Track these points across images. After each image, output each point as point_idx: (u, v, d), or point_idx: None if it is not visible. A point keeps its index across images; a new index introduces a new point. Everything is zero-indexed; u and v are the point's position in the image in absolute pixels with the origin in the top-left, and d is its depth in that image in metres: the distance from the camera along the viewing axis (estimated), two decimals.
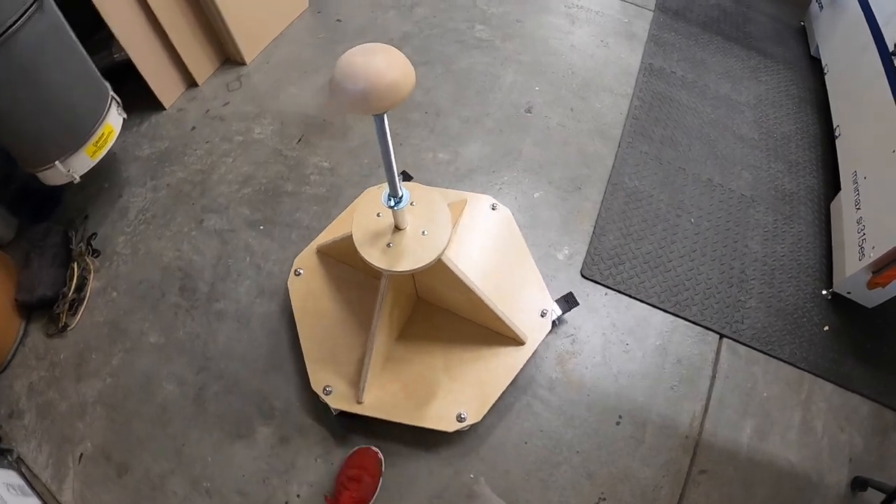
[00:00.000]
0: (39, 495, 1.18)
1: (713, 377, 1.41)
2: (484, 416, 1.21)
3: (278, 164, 1.72)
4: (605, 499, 1.23)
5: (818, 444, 1.35)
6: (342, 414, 1.22)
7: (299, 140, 1.78)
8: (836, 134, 1.78)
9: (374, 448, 1.21)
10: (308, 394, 1.30)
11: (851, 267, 1.46)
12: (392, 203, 0.97)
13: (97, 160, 1.47)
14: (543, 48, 2.08)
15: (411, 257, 1.01)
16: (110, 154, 1.51)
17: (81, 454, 1.27)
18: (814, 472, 1.31)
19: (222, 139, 1.78)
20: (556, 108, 1.89)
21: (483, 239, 1.45)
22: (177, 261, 1.54)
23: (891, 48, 1.55)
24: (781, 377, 1.43)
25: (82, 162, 1.43)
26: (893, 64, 1.52)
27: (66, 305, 1.44)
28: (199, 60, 1.88)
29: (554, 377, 1.36)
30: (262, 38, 2.02)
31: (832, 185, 1.77)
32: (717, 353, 1.44)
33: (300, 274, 1.40)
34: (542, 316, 1.32)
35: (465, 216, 1.47)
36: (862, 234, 1.45)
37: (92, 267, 1.52)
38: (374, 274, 1.02)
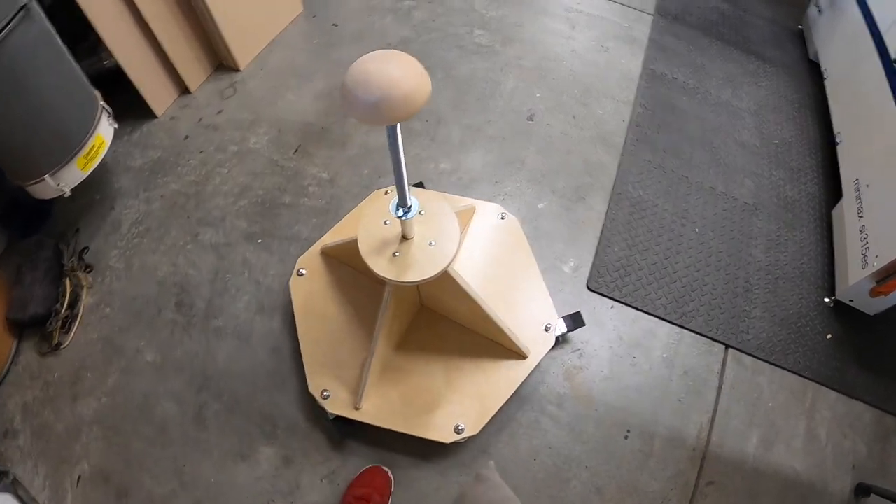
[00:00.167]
0: None
1: (719, 388, 1.44)
2: (482, 429, 1.22)
3: (275, 174, 1.72)
4: None
5: (822, 452, 1.38)
6: (338, 419, 1.23)
7: (296, 149, 1.78)
8: (837, 141, 1.82)
9: (384, 468, 1.22)
10: (312, 413, 1.31)
11: (854, 276, 1.50)
12: (400, 213, 0.98)
13: (88, 172, 1.46)
14: (544, 53, 2.10)
15: (417, 268, 1.02)
16: (101, 164, 1.49)
17: (79, 476, 1.26)
18: (818, 479, 1.34)
19: (217, 149, 1.78)
20: (559, 115, 1.91)
21: (490, 248, 1.46)
22: (172, 276, 1.54)
23: (893, 56, 1.58)
24: (786, 386, 1.47)
25: (73, 175, 1.42)
26: None
27: (59, 323, 1.42)
28: (192, 66, 1.87)
29: (562, 392, 1.38)
30: (255, 44, 2.01)
31: (833, 191, 1.82)
32: (723, 364, 1.47)
33: (303, 274, 1.41)
34: (546, 330, 1.34)
35: (474, 225, 1.49)
36: (865, 242, 1.49)
37: (85, 282, 1.51)
38: (378, 279, 1.03)
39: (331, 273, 1.42)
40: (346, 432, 1.28)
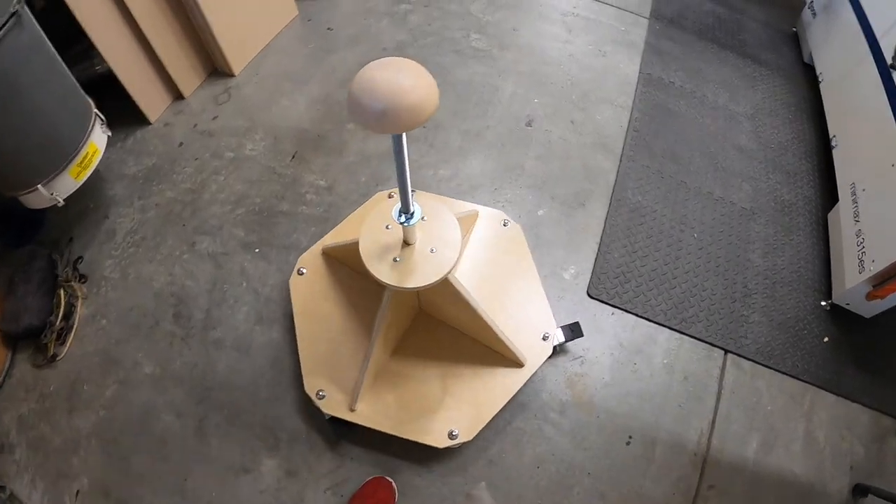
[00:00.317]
0: None
1: (719, 393, 1.48)
2: (485, 438, 1.25)
3: (272, 182, 1.74)
4: None
5: (821, 454, 1.43)
6: (334, 420, 1.25)
7: (293, 157, 1.79)
8: (833, 144, 1.87)
9: (387, 478, 1.24)
10: (315, 424, 1.33)
11: (851, 280, 1.54)
12: (403, 219, 1.00)
13: (82, 181, 1.46)
14: (541, 58, 2.13)
15: (418, 274, 1.05)
16: (94, 172, 1.50)
17: (78, 490, 1.27)
18: (817, 481, 1.39)
19: (212, 155, 1.79)
20: (557, 121, 1.95)
21: (491, 255, 1.49)
22: (169, 286, 1.55)
23: (889, 60, 1.62)
24: (785, 390, 1.51)
25: (66, 184, 1.43)
26: (892, 77, 1.59)
27: (54, 335, 1.43)
28: (186, 72, 1.88)
29: (564, 400, 1.41)
30: (250, 48, 2.02)
31: (829, 194, 1.87)
32: (723, 369, 1.51)
33: (303, 273, 1.44)
34: (544, 339, 1.36)
35: (476, 231, 1.52)
36: (861, 246, 1.53)
37: (79, 293, 1.52)
38: (378, 282, 1.05)
39: (331, 273, 1.44)
40: (342, 433, 1.31)
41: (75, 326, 1.48)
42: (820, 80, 2.11)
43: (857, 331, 1.61)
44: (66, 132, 1.39)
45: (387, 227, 1.09)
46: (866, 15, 1.84)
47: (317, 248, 1.47)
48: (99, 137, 1.49)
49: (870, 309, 1.60)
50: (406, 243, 1.08)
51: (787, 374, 1.52)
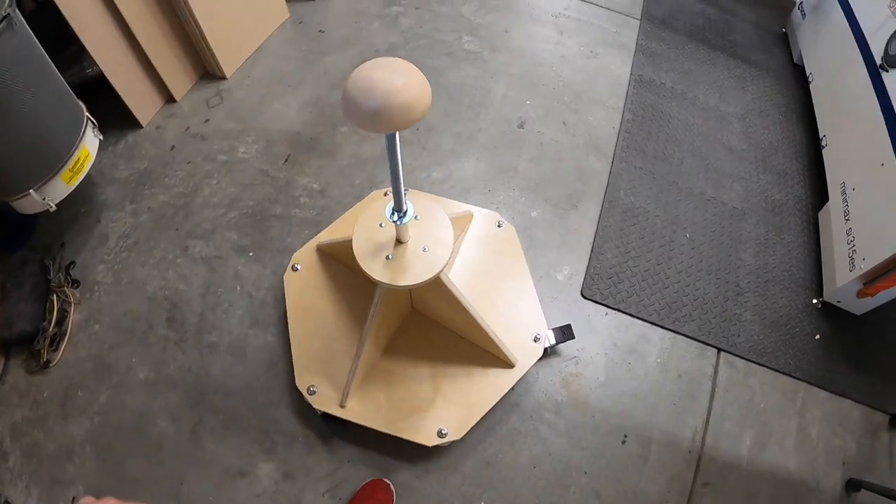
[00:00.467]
0: None
1: (713, 391, 1.51)
2: (480, 439, 1.28)
3: (265, 185, 1.75)
4: None
5: (814, 450, 1.47)
6: (326, 417, 1.28)
7: (286, 160, 1.81)
8: (823, 144, 1.92)
9: (385, 480, 1.26)
10: (312, 427, 1.35)
11: (842, 278, 1.58)
12: (396, 218, 1.02)
13: (74, 186, 1.47)
14: (533, 60, 2.17)
15: (409, 273, 1.07)
16: (86, 176, 1.50)
17: (74, 497, 1.28)
18: (810, 477, 1.43)
19: (205, 159, 1.80)
20: (549, 123, 1.98)
21: (485, 256, 1.52)
22: (162, 290, 1.56)
23: (878, 61, 1.67)
24: (777, 387, 1.54)
25: (58, 189, 1.43)
26: (881, 77, 1.64)
27: (47, 340, 1.43)
28: (177, 74, 1.89)
29: (559, 400, 1.44)
30: (241, 51, 2.04)
31: (819, 194, 1.91)
32: (716, 367, 1.55)
33: (297, 269, 1.46)
34: (535, 341, 1.39)
35: (470, 231, 1.55)
36: (852, 245, 1.57)
37: (72, 298, 1.52)
38: (370, 279, 1.07)
39: (325, 270, 1.46)
40: (334, 430, 1.33)
41: (68, 332, 1.48)
42: (810, 80, 2.15)
43: (848, 328, 1.65)
44: (58, 136, 1.39)
45: (380, 226, 1.11)
46: (855, 16, 1.88)
47: (311, 244, 1.50)
48: (91, 141, 1.50)
49: (860, 307, 1.64)
50: (399, 242, 1.10)
51: (779, 372, 1.56)
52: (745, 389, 1.52)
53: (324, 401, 1.27)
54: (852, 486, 1.41)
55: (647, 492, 1.35)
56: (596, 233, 1.72)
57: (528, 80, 2.10)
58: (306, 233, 1.66)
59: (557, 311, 1.57)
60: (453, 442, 1.26)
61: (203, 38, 1.84)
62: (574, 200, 1.80)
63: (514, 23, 2.29)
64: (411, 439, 1.24)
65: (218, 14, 1.85)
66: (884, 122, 1.56)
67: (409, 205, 1.03)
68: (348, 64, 2.06)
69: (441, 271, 1.08)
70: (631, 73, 2.17)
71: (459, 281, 1.35)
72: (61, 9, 1.47)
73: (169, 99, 1.93)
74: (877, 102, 1.62)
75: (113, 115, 1.77)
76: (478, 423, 1.31)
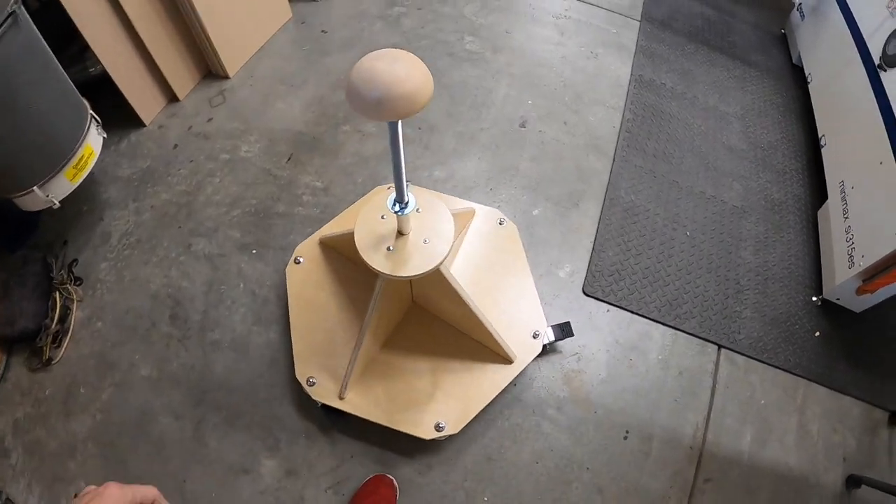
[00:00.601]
0: None
1: (713, 388, 1.51)
2: (476, 432, 1.29)
3: (268, 183, 1.76)
4: None
5: (814, 447, 1.47)
6: (327, 408, 1.29)
7: (289, 158, 1.82)
8: (822, 143, 1.93)
9: (388, 476, 1.26)
10: (314, 424, 1.35)
11: (841, 275, 1.59)
12: (397, 208, 1.03)
13: (77, 183, 1.48)
14: (534, 60, 2.18)
15: (410, 264, 1.08)
16: (88, 175, 1.51)
17: (76, 494, 1.27)
18: (811, 473, 1.43)
19: (207, 158, 1.81)
20: (550, 123, 1.99)
21: (486, 253, 1.52)
22: (165, 288, 1.56)
23: (876, 61, 1.69)
24: (778, 384, 1.55)
25: (62, 186, 1.44)
26: (879, 77, 1.65)
27: (50, 338, 1.44)
28: (180, 74, 1.90)
29: (562, 396, 1.44)
30: (244, 51, 2.05)
31: (818, 193, 1.92)
32: (717, 364, 1.55)
33: (300, 262, 1.47)
34: (535, 337, 1.40)
35: (472, 229, 1.56)
36: (851, 243, 1.58)
37: (75, 296, 1.53)
38: (372, 272, 1.09)
39: (328, 263, 1.48)
40: (335, 421, 1.34)
41: (71, 329, 1.49)
42: (809, 80, 2.17)
43: (847, 326, 1.66)
44: (63, 134, 1.40)
45: (382, 217, 1.12)
46: (854, 16, 1.90)
47: (314, 238, 1.51)
48: (95, 139, 1.50)
49: (860, 304, 1.65)
50: (400, 233, 1.11)
51: (779, 369, 1.57)
52: (745, 386, 1.53)
53: (323, 392, 1.28)
54: (853, 482, 1.41)
55: (649, 487, 1.35)
56: (597, 231, 1.73)
57: (530, 80, 2.11)
58: (309, 230, 1.66)
59: (559, 308, 1.57)
60: (451, 436, 1.27)
61: (206, 37, 1.85)
62: (575, 199, 1.80)
63: (515, 24, 2.31)
64: (409, 432, 1.24)
65: (221, 14, 1.86)
66: (882, 122, 1.57)
67: (410, 196, 1.04)
68: (350, 64, 2.04)
69: (441, 263, 1.09)
70: (631, 74, 2.19)
71: (460, 277, 1.36)
72: (66, 7, 1.48)
73: (172, 98, 1.93)
74: (875, 102, 1.64)
75: (116, 114, 1.77)
76: (480, 419, 1.32)
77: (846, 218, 1.65)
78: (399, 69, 0.74)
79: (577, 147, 1.94)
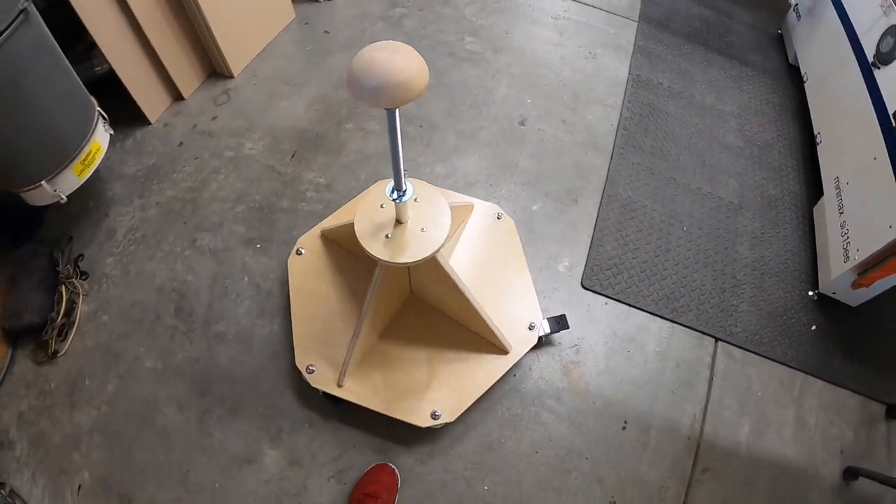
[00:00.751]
0: None
1: (711, 380, 1.53)
2: (475, 421, 1.31)
3: (272, 180, 1.78)
4: (615, 502, 1.32)
5: (812, 439, 1.48)
6: (328, 396, 1.31)
7: (293, 156, 1.84)
8: (818, 141, 1.95)
9: (390, 465, 1.27)
10: (317, 414, 1.36)
11: (837, 269, 1.61)
12: (395, 196, 1.06)
13: (85, 179, 1.49)
14: (533, 60, 2.20)
15: (407, 251, 1.10)
16: (94, 172, 1.53)
17: (80, 485, 1.29)
18: (809, 465, 1.44)
19: (212, 155, 1.83)
20: (550, 121, 2.01)
21: (484, 246, 1.54)
22: (170, 282, 1.57)
23: (870, 59, 1.71)
24: (775, 377, 1.56)
25: (69, 181, 1.45)
26: (873, 74, 1.67)
27: (55, 331, 1.45)
28: (185, 73, 1.92)
29: (561, 387, 1.45)
30: (249, 50, 2.07)
31: (814, 189, 1.94)
32: (714, 356, 1.56)
33: (301, 253, 1.50)
34: (531, 329, 1.42)
35: (470, 222, 1.58)
36: (846, 237, 1.60)
37: (81, 290, 1.54)
38: (372, 263, 1.12)
39: (329, 255, 1.50)
40: (336, 410, 1.36)
41: (76, 322, 1.50)
42: (805, 79, 2.19)
43: (843, 319, 1.67)
44: (70, 129, 1.42)
45: (381, 207, 1.15)
46: (849, 16, 1.92)
47: (316, 230, 1.54)
48: (102, 135, 1.52)
49: (855, 298, 1.66)
50: (398, 222, 1.14)
51: (776, 362, 1.58)
52: (742, 378, 1.54)
53: (322, 380, 1.31)
54: (850, 473, 1.42)
55: (648, 477, 1.36)
56: (595, 226, 1.75)
57: (529, 79, 2.13)
58: (312, 225, 1.67)
59: (558, 301, 1.59)
60: (448, 424, 1.28)
61: (212, 37, 1.87)
62: (574, 195, 1.82)
63: (514, 24, 2.33)
64: (406, 420, 1.26)
65: (226, 14, 1.88)
66: (876, 118, 1.59)
67: (408, 185, 1.07)
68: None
69: (438, 251, 1.12)
70: (629, 73, 2.21)
71: (458, 270, 1.37)
72: (74, 6, 1.50)
73: (177, 97, 1.95)
74: (869, 99, 1.66)
75: (121, 112, 1.79)
76: (479, 409, 1.33)
77: (841, 213, 1.66)
78: (396, 59, 0.78)
79: (576, 144, 1.96)
